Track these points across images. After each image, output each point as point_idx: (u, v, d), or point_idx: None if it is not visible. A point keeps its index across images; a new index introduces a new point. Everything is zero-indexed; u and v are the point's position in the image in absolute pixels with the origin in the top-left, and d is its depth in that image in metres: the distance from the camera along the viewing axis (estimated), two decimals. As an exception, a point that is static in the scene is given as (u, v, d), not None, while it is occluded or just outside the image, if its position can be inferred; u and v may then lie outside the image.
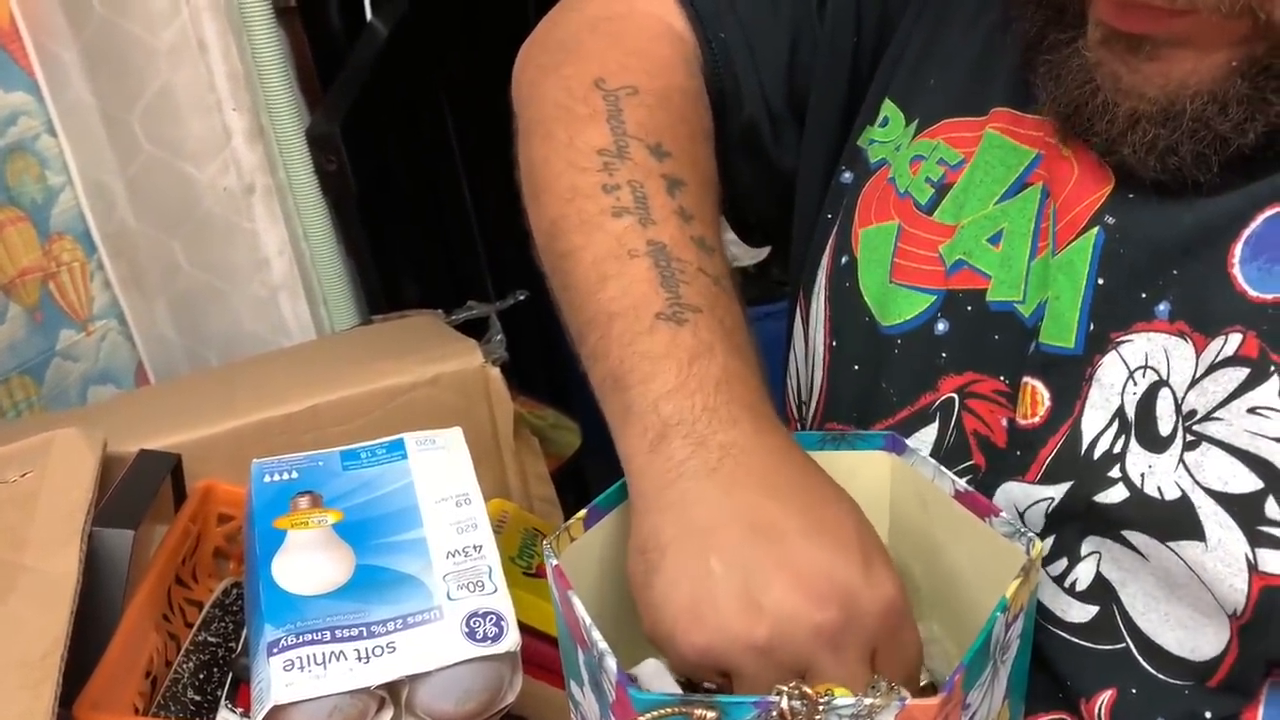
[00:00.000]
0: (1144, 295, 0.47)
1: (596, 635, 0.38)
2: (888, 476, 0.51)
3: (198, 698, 0.57)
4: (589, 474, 1.06)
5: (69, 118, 1.02)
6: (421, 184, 1.31)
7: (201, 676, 0.58)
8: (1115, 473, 0.46)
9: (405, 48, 1.22)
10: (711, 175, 0.55)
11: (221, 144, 1.01)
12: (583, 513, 0.46)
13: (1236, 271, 0.44)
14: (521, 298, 0.93)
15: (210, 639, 0.61)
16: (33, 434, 0.63)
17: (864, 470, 0.51)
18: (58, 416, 0.90)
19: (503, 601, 0.53)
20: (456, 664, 0.50)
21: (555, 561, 0.42)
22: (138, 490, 0.58)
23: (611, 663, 0.37)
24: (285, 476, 0.59)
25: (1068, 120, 0.48)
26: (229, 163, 1.01)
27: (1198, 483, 0.44)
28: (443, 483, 0.59)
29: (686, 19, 0.59)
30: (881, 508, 0.52)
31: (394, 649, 0.50)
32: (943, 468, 0.48)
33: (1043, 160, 0.52)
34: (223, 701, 0.56)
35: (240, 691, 0.57)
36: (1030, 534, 0.43)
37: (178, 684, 0.56)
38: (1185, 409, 0.45)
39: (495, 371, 0.73)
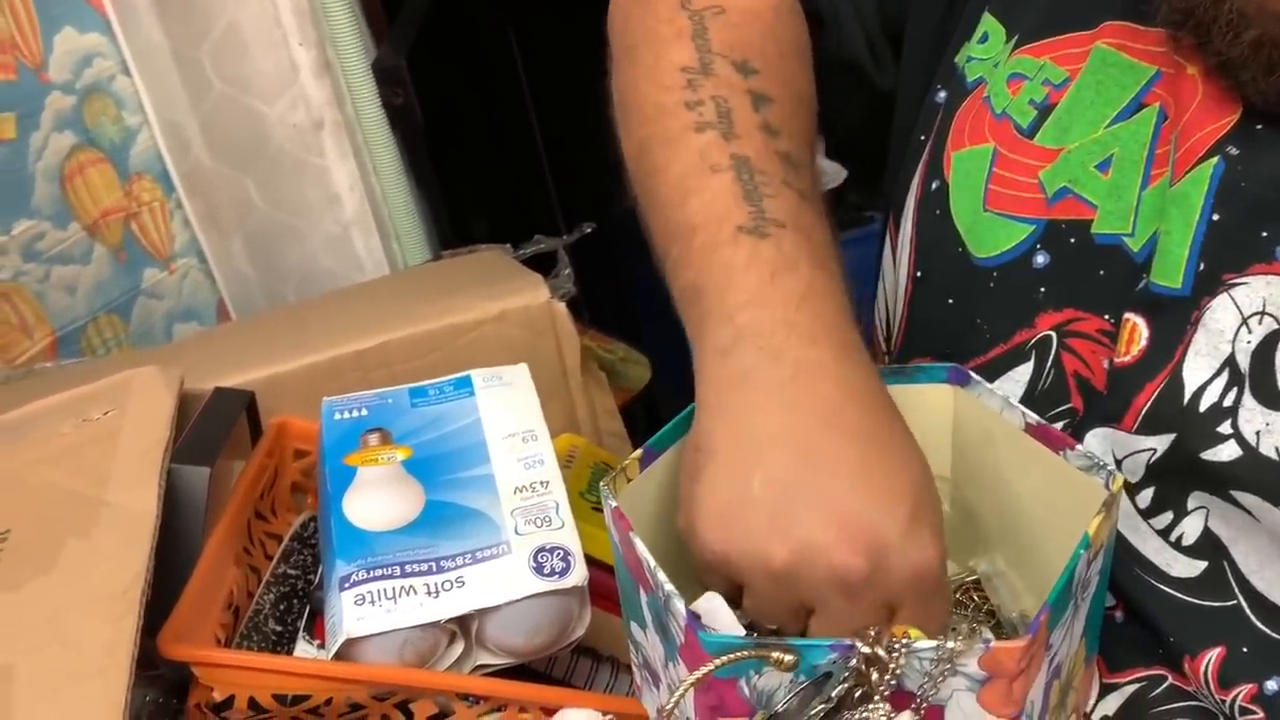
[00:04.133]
0: (1264, 234, 0.43)
1: (662, 577, 0.38)
2: (950, 410, 0.49)
3: (279, 628, 0.59)
4: (661, 407, 1.06)
5: (142, 58, 1.03)
6: (489, 116, 1.30)
7: (282, 608, 0.60)
8: (1226, 428, 0.43)
9: (470, -24, 1.20)
10: (803, 92, 0.53)
11: (289, 79, 1.00)
12: (638, 453, 0.46)
13: None
14: (589, 230, 0.92)
15: (289, 571, 0.62)
16: (119, 371, 0.65)
17: (926, 404, 0.49)
18: (141, 354, 0.93)
19: (569, 536, 0.53)
20: (525, 598, 0.51)
21: (614, 503, 0.42)
22: (213, 427, 0.60)
23: (679, 605, 0.37)
24: (355, 414, 0.60)
25: (1180, 28, 0.44)
26: (297, 98, 1.01)
27: None
28: (509, 419, 0.59)
29: None
30: (943, 441, 0.50)
31: (463, 583, 0.51)
32: (1012, 400, 0.46)
33: (1162, 79, 0.48)
34: (300, 633, 0.58)
35: (317, 623, 0.58)
36: (1110, 467, 0.41)
37: (259, 615, 0.58)
38: None
39: (561, 307, 0.73)
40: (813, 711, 0.33)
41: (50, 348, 0.95)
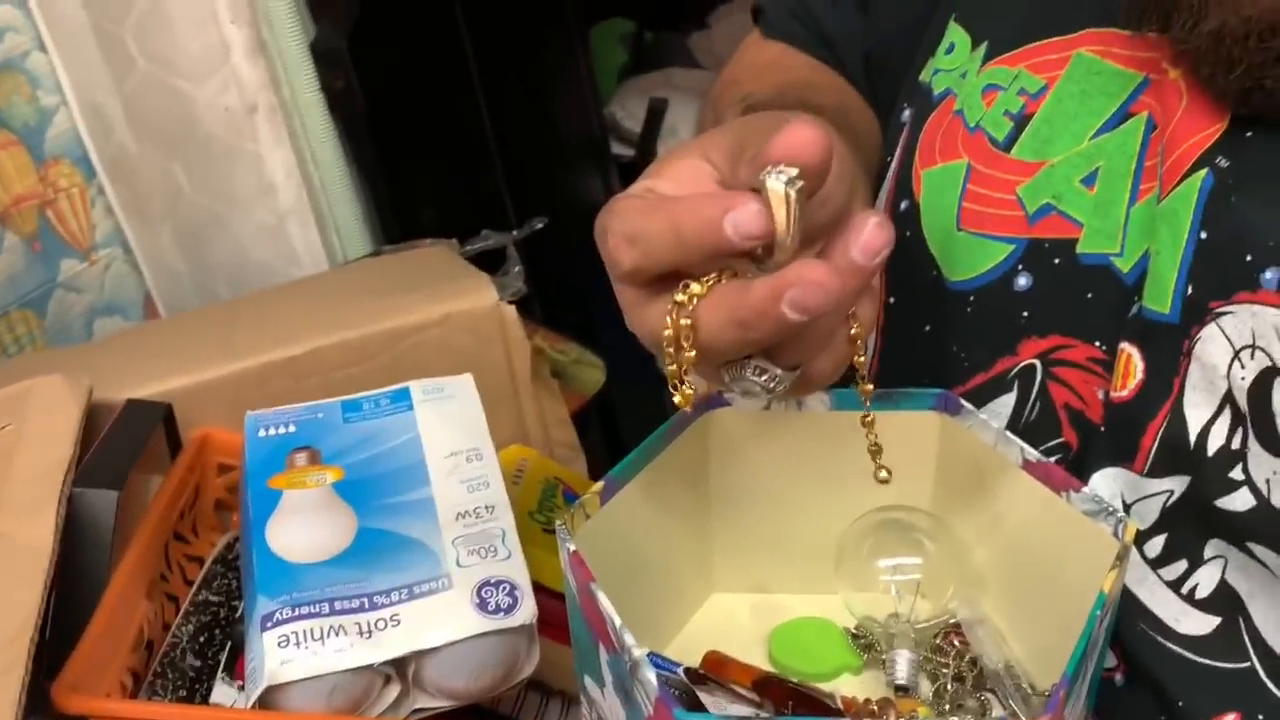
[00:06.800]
0: (1249, 258, 0.39)
1: (630, 639, 0.34)
2: (935, 439, 0.46)
3: (197, 663, 0.54)
4: (618, 413, 1.02)
5: (59, 32, 0.96)
6: (436, 102, 1.25)
7: (202, 639, 0.55)
8: (1238, 474, 0.40)
9: (416, -47, 1.14)
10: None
11: (220, 60, 0.94)
12: (598, 486, 0.41)
13: None
14: (540, 225, 0.87)
15: (211, 598, 0.57)
16: (26, 376, 0.59)
17: (908, 431, 0.45)
18: (53, 354, 0.86)
19: (517, 568, 0.49)
20: (467, 639, 0.46)
21: (572, 547, 0.38)
22: (124, 445, 0.54)
23: (651, 676, 0.32)
24: (282, 430, 0.55)
25: (1144, 16, 0.41)
26: (229, 80, 0.95)
27: None
28: (452, 436, 0.54)
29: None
30: (926, 472, 0.47)
31: (398, 622, 0.46)
32: (1009, 433, 0.42)
33: (1150, 85, 0.45)
34: (220, 672, 0.53)
35: (239, 661, 0.54)
36: (1119, 514, 0.38)
37: (176, 649, 0.53)
38: None
39: (510, 310, 0.68)
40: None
41: (-44, 345, 0.89)
